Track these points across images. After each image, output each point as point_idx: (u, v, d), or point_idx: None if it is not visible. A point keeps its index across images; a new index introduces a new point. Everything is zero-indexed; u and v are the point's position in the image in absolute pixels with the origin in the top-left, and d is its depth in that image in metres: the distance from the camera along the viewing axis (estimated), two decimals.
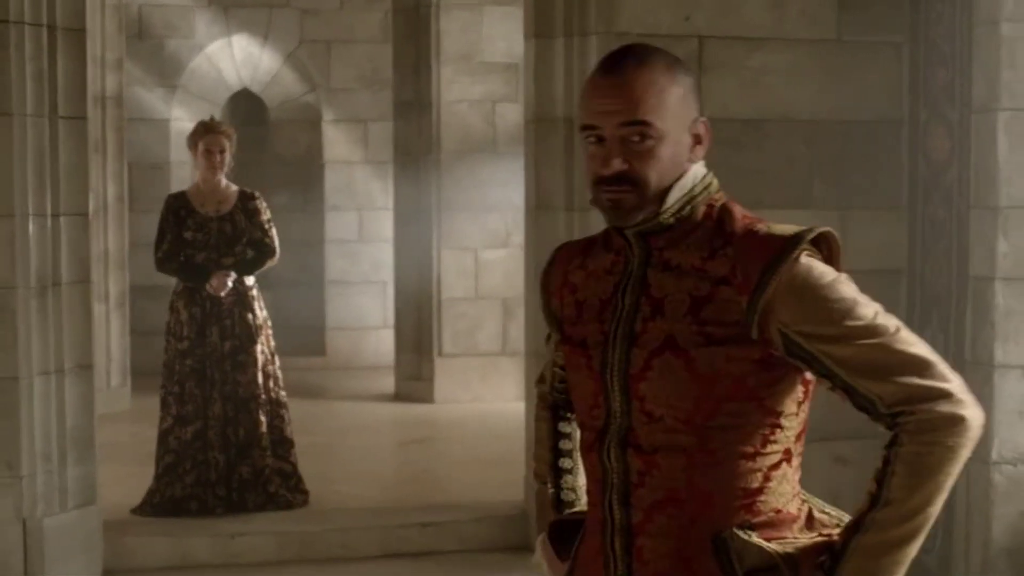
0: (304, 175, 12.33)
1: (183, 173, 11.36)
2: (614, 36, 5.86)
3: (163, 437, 6.66)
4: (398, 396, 10.17)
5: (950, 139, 5.90)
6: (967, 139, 5.69)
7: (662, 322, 2.20)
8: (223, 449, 6.62)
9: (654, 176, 2.21)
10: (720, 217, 2.25)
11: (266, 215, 6.95)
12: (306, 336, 12.03)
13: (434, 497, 6.97)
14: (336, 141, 12.21)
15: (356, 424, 9.29)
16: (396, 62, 10.17)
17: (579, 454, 2.44)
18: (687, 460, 2.17)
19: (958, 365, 4.64)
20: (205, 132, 7.00)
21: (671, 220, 2.25)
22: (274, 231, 6.95)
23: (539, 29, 6.11)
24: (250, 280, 6.84)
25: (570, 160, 6.04)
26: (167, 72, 11.94)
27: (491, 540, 6.34)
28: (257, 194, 7.06)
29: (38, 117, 5.48)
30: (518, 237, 8.70)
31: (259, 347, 6.77)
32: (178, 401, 6.64)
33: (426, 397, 9.80)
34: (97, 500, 5.76)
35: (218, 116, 11.77)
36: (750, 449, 2.17)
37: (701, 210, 2.26)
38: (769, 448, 2.18)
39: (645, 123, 2.18)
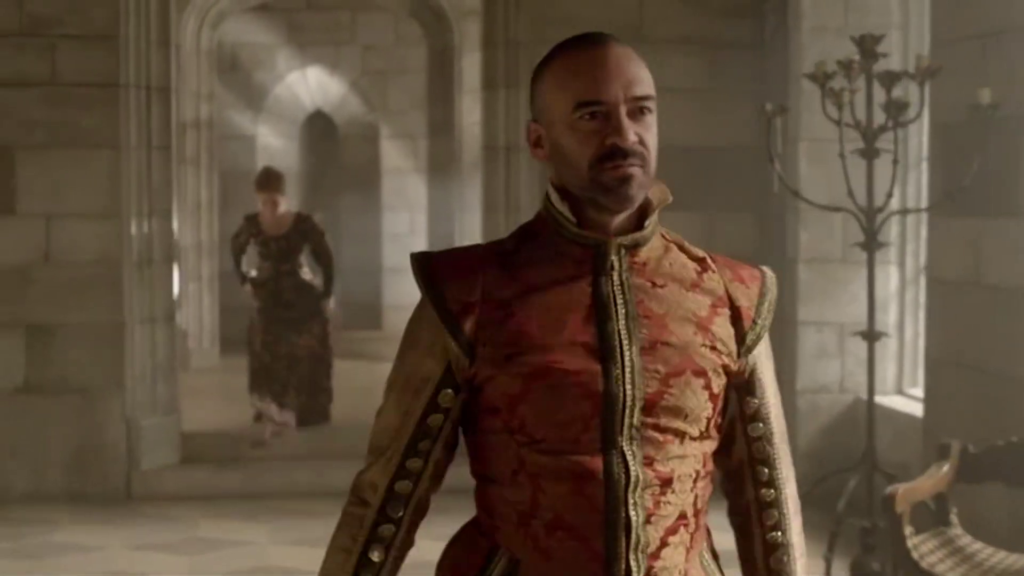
0: (366, 181, 14.74)
1: None
2: None
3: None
4: None
5: (781, 163, 8.16)
6: (791, 164, 7.79)
7: (671, 338, 2.06)
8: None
9: (655, 157, 2.05)
10: (669, 236, 2.16)
11: (320, 228, 8.97)
12: (367, 313, 14.51)
13: None
14: (391, 153, 14.59)
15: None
16: (429, 92, 12.61)
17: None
18: (695, 477, 2.08)
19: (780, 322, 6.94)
20: (261, 190, 8.94)
21: (649, 231, 2.10)
22: (327, 240, 8.97)
23: (486, 82, 8.54)
24: (306, 274, 8.89)
25: (508, 175, 8.44)
26: (254, 97, 14.47)
27: None
28: (309, 215, 9.14)
29: (138, 149, 8.02)
30: None
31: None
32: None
33: None
34: (177, 411, 8.31)
35: (295, 134, 14.43)
36: (706, 469, 2.12)
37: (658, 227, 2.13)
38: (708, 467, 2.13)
39: (651, 97, 2.05)
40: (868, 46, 5.52)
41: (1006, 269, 5.58)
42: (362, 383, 10.57)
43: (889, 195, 5.75)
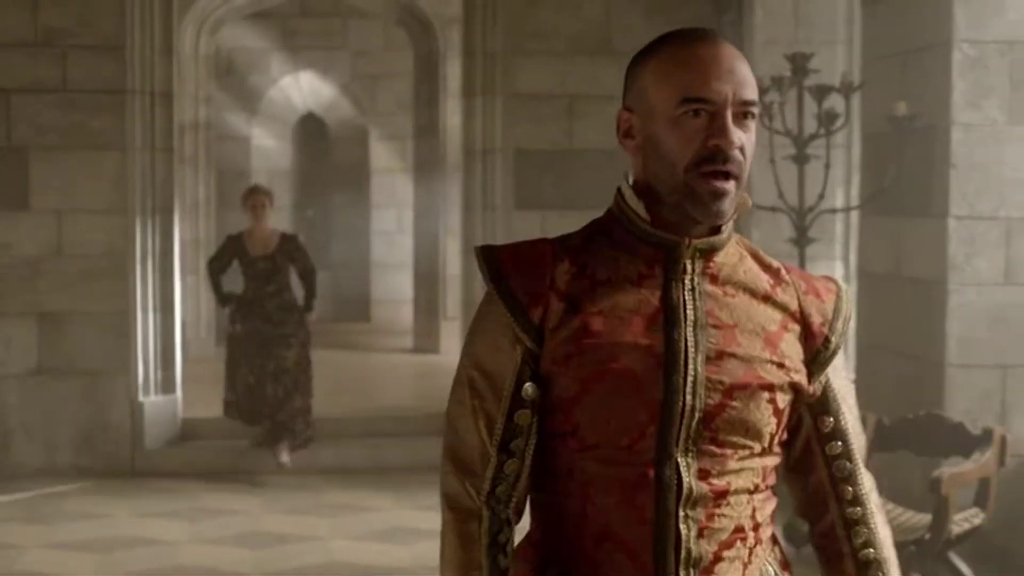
0: (356, 180, 15.39)
1: (260, 178, 14.52)
2: (511, 96, 8.94)
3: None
4: (416, 349, 13.27)
5: None
6: None
7: (738, 349, 1.98)
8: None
9: (748, 169, 1.97)
10: (743, 243, 2.08)
11: (302, 248, 8.81)
12: (356, 306, 15.16)
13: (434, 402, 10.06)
14: (380, 154, 15.22)
15: (385, 366, 12.43)
16: (415, 96, 13.25)
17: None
18: (752, 490, 2.01)
19: None
20: (251, 194, 8.86)
21: (726, 237, 2.03)
22: (309, 259, 8.81)
23: (466, 90, 9.20)
24: (289, 296, 8.72)
25: (484, 176, 9.10)
26: (249, 100, 15.10)
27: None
28: (295, 235, 9.08)
29: (144, 149, 8.66)
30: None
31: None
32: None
33: (434, 349, 12.87)
34: (176, 391, 8.96)
35: (288, 135, 15.03)
36: (766, 483, 2.05)
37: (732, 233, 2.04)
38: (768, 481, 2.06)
39: (757, 103, 1.96)
40: (799, 63, 6.19)
41: (923, 263, 6.24)
42: (352, 373, 11.25)
43: (821, 196, 6.41)
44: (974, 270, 6.02)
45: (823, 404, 2.07)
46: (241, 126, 15.04)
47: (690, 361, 1.95)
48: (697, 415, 1.95)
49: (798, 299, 2.05)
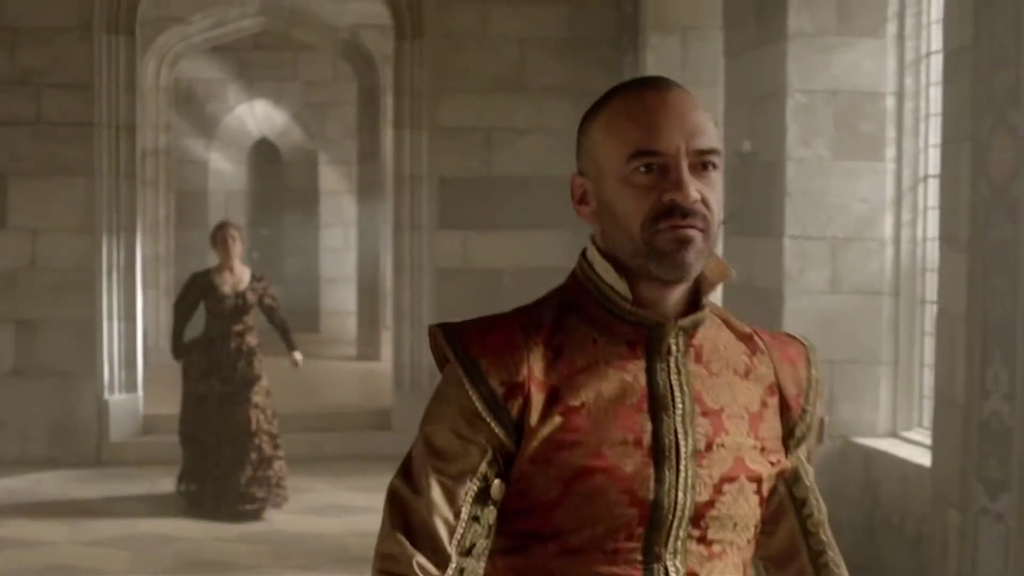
0: (306, 201, 16.52)
1: (218, 199, 15.63)
2: (436, 129, 10.11)
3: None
4: (359, 356, 14.41)
5: None
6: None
7: (726, 438, 1.81)
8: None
9: (718, 221, 1.79)
10: (714, 309, 1.89)
11: (271, 288, 8.47)
12: (306, 318, 16.25)
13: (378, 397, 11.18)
14: (328, 177, 16.38)
15: (330, 371, 13.54)
16: (359, 124, 14.42)
17: None
18: None
19: None
20: (221, 230, 8.46)
21: (707, 311, 1.84)
22: (272, 289, 8.47)
23: (397, 123, 10.37)
24: (254, 341, 8.32)
25: (412, 200, 10.26)
26: (207, 126, 16.22)
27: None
28: (263, 275, 8.58)
29: (110, 175, 9.77)
30: None
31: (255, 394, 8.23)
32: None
33: (375, 357, 14.00)
34: (138, 390, 10.07)
35: (243, 159, 16.11)
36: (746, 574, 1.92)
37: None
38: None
39: (717, 151, 1.78)
40: None
41: (765, 275, 7.44)
42: (300, 378, 12.35)
43: None
44: (806, 281, 7.22)
45: (796, 472, 1.96)
46: (199, 151, 16.15)
47: (682, 455, 1.78)
48: (688, 513, 1.79)
49: (774, 369, 1.90)
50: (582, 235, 8.93)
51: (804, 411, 1.93)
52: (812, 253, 7.22)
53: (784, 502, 1.99)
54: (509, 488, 1.80)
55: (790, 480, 1.97)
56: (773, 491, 1.93)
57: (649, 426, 1.79)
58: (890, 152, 7.16)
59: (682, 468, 1.79)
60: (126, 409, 9.98)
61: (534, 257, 10.02)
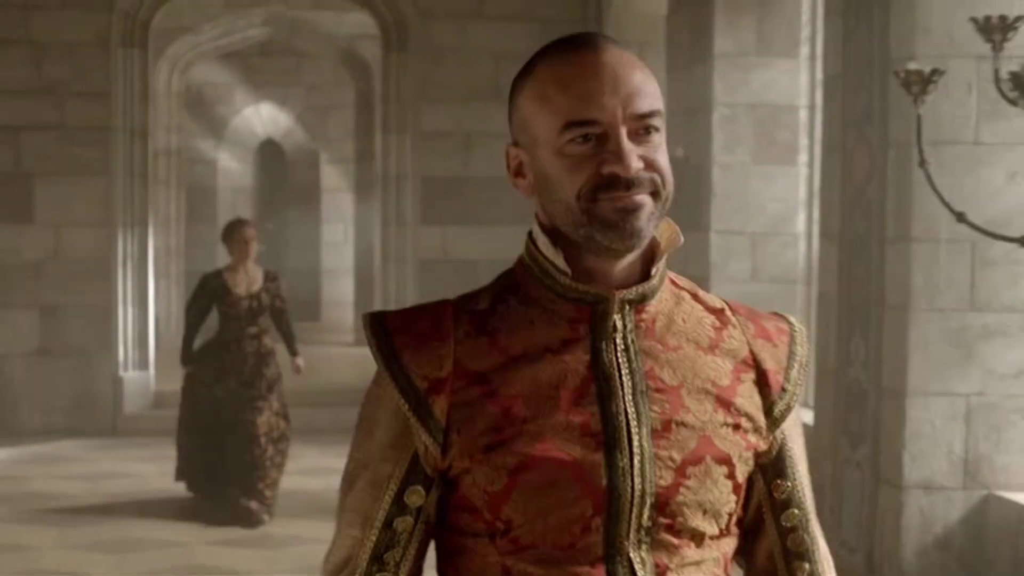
0: (308, 198, 17.62)
1: (226, 195, 16.75)
2: (419, 133, 11.19)
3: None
4: (356, 343, 15.49)
5: None
6: None
7: (687, 416, 1.65)
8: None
9: (670, 182, 1.64)
10: (680, 282, 1.75)
11: (282, 286, 8.13)
12: (308, 307, 17.36)
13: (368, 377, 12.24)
14: (329, 175, 17.47)
15: (328, 356, 14.63)
16: (356, 126, 15.51)
17: None
18: None
19: None
20: (236, 228, 8.04)
21: (657, 280, 1.69)
22: (282, 292, 8.11)
23: (384, 127, 11.46)
24: (269, 343, 8.01)
25: (397, 197, 11.34)
26: (216, 128, 17.33)
27: None
28: (276, 274, 8.22)
29: (125, 174, 10.87)
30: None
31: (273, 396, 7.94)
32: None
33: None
34: (150, 368, 11.18)
35: (250, 158, 17.17)
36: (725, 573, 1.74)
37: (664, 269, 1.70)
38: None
39: (658, 112, 1.63)
40: None
41: (695, 265, 8.50)
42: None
43: None
44: (730, 270, 8.28)
45: (778, 466, 1.75)
46: (209, 150, 17.25)
47: (634, 436, 1.63)
48: (649, 500, 1.63)
49: (747, 343, 1.73)
50: None
51: (784, 389, 1.74)
52: (735, 246, 8.28)
53: (763, 508, 1.76)
54: (452, 489, 1.66)
55: (769, 474, 1.75)
56: (751, 485, 1.74)
57: (596, 408, 1.63)
58: (803, 158, 8.23)
59: (635, 450, 1.63)
60: (139, 385, 11.09)
61: (507, 250, 10.97)
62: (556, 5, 11.29)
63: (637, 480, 1.64)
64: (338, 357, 14.62)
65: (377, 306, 14.42)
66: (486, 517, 1.66)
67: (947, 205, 4.35)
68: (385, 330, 1.69)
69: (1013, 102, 3.73)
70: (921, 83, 3.95)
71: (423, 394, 1.65)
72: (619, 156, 1.59)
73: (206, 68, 16.44)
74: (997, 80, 3.85)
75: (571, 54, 1.64)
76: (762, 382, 1.74)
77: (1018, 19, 3.75)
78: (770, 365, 1.75)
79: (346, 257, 17.14)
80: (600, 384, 1.66)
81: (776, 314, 1.82)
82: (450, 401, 1.65)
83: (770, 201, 8.25)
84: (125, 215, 10.90)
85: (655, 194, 1.62)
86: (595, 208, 1.61)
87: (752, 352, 1.74)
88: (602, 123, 1.60)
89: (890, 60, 5.75)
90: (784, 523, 1.77)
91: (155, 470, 9.48)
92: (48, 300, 10.75)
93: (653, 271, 1.68)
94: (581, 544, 1.64)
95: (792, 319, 1.82)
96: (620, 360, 1.67)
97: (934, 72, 3.95)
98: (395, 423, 1.67)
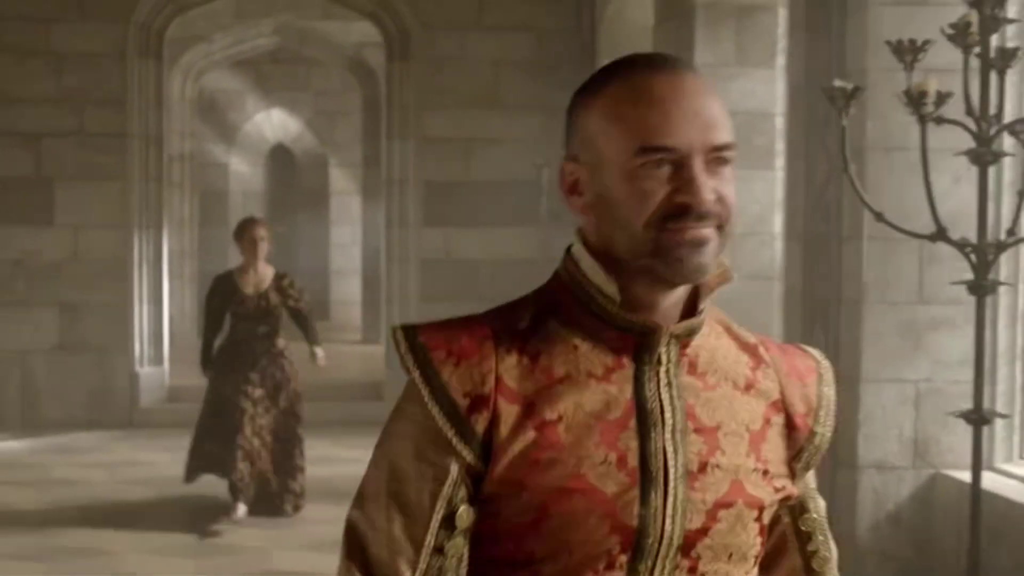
0: (317, 200, 18.14)
1: (237, 199, 17.27)
2: (422, 139, 11.70)
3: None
4: (363, 340, 16.02)
5: None
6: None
7: (722, 459, 1.62)
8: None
9: (733, 218, 1.59)
10: (714, 315, 1.69)
11: (297, 286, 8.09)
12: (317, 306, 17.81)
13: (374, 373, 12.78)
14: (338, 178, 18.00)
15: (336, 352, 15.12)
16: (363, 130, 16.03)
17: None
18: None
19: None
20: (248, 227, 8.06)
21: (704, 316, 1.64)
22: (305, 295, 8.15)
23: (388, 133, 11.98)
24: (282, 343, 8.01)
25: (401, 200, 11.86)
26: (228, 133, 17.86)
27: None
28: (287, 273, 8.20)
29: (140, 179, 11.40)
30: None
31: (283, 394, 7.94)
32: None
33: (377, 340, 15.58)
34: (164, 364, 11.71)
35: (261, 163, 17.68)
36: None
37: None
38: None
39: (733, 145, 1.58)
40: None
41: None
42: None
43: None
44: None
45: (803, 502, 1.76)
46: (221, 155, 17.79)
47: (670, 476, 1.59)
48: (676, 542, 1.60)
49: (780, 383, 1.70)
50: (548, 232, 10.45)
51: (813, 432, 1.70)
52: None
53: (787, 535, 1.77)
54: (478, 512, 1.61)
55: (796, 511, 1.76)
56: (776, 521, 1.74)
57: (635, 444, 1.59)
58: (779, 162, 8.71)
59: (671, 491, 1.59)
60: (154, 380, 11.62)
61: (506, 251, 11.62)
62: (552, 16, 11.80)
63: (668, 521, 1.59)
64: (346, 354, 15.12)
65: (383, 304, 14.89)
66: (508, 547, 1.60)
67: (867, 205, 4.83)
68: (422, 345, 1.61)
69: (924, 118, 4.21)
70: (844, 98, 4.43)
71: (464, 412, 1.59)
72: (693, 187, 1.54)
73: (218, 75, 16.97)
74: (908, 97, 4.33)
75: (650, 75, 1.58)
76: (790, 425, 1.69)
77: (926, 42, 4.24)
78: (799, 408, 1.71)
79: (354, 258, 17.64)
80: (642, 418, 1.60)
81: (801, 349, 1.78)
82: (492, 419, 1.58)
83: (749, 203, 8.73)
84: (141, 218, 11.42)
85: (719, 228, 1.57)
86: (662, 238, 1.55)
87: (783, 394, 1.70)
88: (679, 151, 1.55)
89: (846, 72, 6.24)
90: (809, 548, 1.79)
91: (169, 459, 9.98)
92: (68, 299, 11.28)
93: (701, 306, 1.63)
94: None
95: (817, 355, 1.78)
96: (663, 395, 1.61)
97: (856, 89, 4.44)
98: (434, 442, 1.60)
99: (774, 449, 1.68)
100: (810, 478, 1.77)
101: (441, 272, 11.71)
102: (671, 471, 1.59)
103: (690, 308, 1.64)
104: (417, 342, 1.62)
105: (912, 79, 4.33)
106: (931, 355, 6.21)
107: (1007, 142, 4.97)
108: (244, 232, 8.04)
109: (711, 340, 1.66)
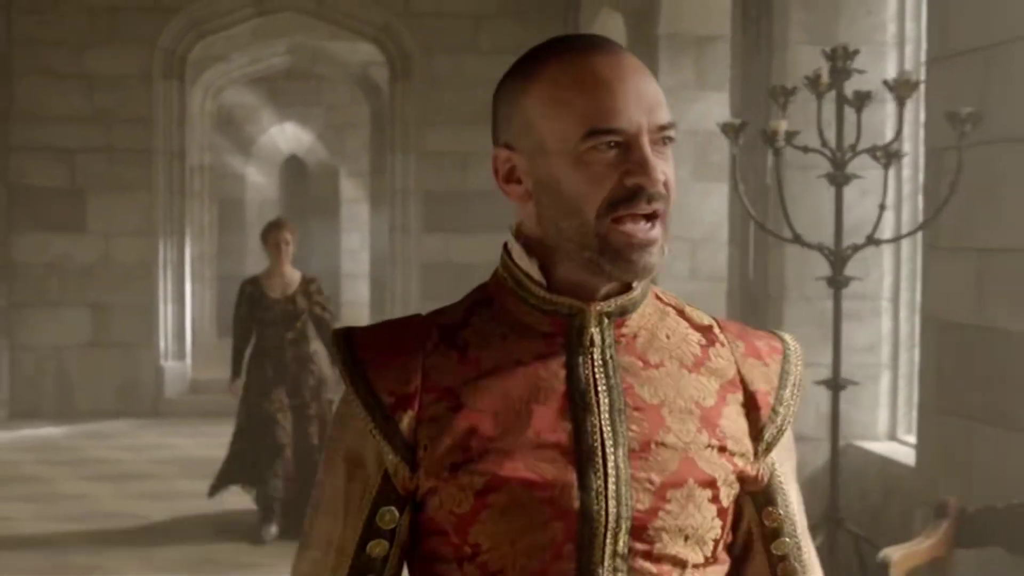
0: (329, 208, 19.21)
1: (253, 207, 18.38)
2: (422, 152, 12.79)
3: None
4: None
5: None
6: None
7: (667, 436, 1.57)
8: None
9: (673, 203, 1.57)
10: (666, 298, 1.67)
11: (324, 293, 7.82)
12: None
13: None
14: (347, 188, 19.07)
15: None
16: (371, 142, 17.14)
17: None
18: None
19: None
20: (273, 230, 7.83)
21: (639, 293, 1.61)
22: (330, 305, 7.89)
23: (391, 148, 13.08)
24: (311, 347, 7.70)
25: (404, 208, 12.95)
26: (244, 145, 18.97)
27: None
28: (316, 277, 7.92)
29: (165, 190, 12.51)
30: None
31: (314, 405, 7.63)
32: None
33: None
34: (187, 359, 12.83)
35: (275, 173, 18.78)
36: None
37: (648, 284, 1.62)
38: None
39: (674, 125, 1.57)
40: None
41: None
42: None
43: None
44: (674, 270, 9.83)
45: (769, 493, 1.66)
46: (238, 166, 18.91)
47: (609, 457, 1.54)
48: (624, 524, 1.54)
49: (736, 363, 1.64)
50: None
51: (775, 411, 1.65)
52: (677, 250, 9.83)
53: (753, 534, 1.69)
54: (420, 509, 1.59)
55: (759, 501, 1.67)
56: (740, 512, 1.67)
57: (568, 426, 1.55)
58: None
59: (611, 471, 1.54)
60: (177, 373, 12.75)
61: (499, 254, 12.64)
62: (542, 39, 12.66)
63: (612, 503, 1.54)
64: None
65: (387, 304, 15.98)
66: (454, 541, 1.57)
67: (752, 215, 5.88)
68: (351, 345, 1.60)
69: (777, 151, 5.28)
70: (734, 132, 5.48)
71: (389, 409, 1.56)
72: (645, 168, 1.51)
73: (236, 92, 18.07)
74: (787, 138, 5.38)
75: (590, 56, 1.54)
76: (750, 404, 1.64)
77: (795, 88, 5.31)
78: (759, 386, 1.65)
79: (362, 262, 18.68)
80: (575, 400, 1.56)
81: (770, 332, 1.73)
82: (417, 417, 1.56)
83: (706, 212, 9.80)
84: (165, 225, 12.53)
85: (663, 219, 1.56)
86: (610, 235, 1.52)
87: (740, 372, 1.64)
88: (627, 132, 1.51)
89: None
90: (775, 551, 1.68)
91: (191, 443, 11.13)
92: (99, 299, 12.40)
93: (635, 284, 1.59)
94: (552, 571, 1.55)
95: (787, 337, 1.72)
96: (597, 376, 1.57)
97: (743, 124, 5.49)
98: (364, 443, 1.59)
99: (734, 424, 1.62)
100: (785, 470, 1.68)
101: (440, 274, 12.81)
102: (609, 451, 1.55)
103: (626, 288, 1.59)
104: (344, 341, 1.61)
105: (786, 116, 5.39)
106: (842, 342, 7.26)
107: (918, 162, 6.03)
108: (269, 235, 7.81)
109: (654, 320, 1.63)
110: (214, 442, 11.04)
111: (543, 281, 1.59)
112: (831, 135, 5.39)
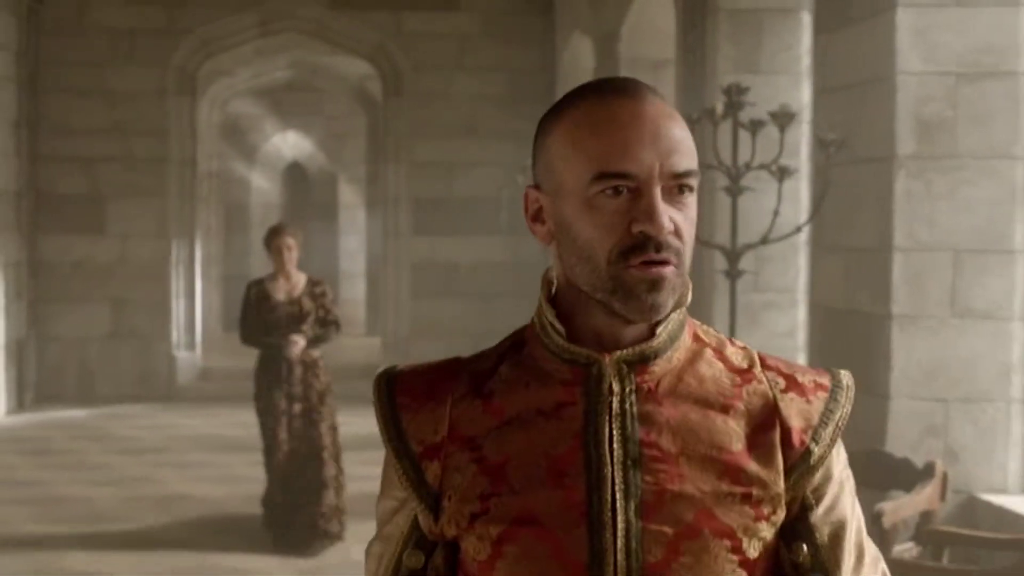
0: (328, 212, 20.32)
1: (257, 211, 19.59)
2: (411, 163, 14.00)
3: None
4: (367, 333, 18.29)
5: None
6: None
7: (684, 486, 1.53)
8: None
9: (691, 252, 1.55)
10: (708, 336, 1.63)
11: (329, 296, 7.74)
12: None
13: (371, 358, 15.04)
14: (346, 193, 20.21)
15: (342, 344, 17.43)
16: (367, 151, 18.32)
17: None
18: None
19: None
20: (275, 236, 7.71)
21: (664, 340, 1.57)
22: (336, 309, 7.77)
23: (383, 158, 14.29)
24: (316, 352, 7.62)
25: (396, 216, 14.16)
26: (249, 152, 20.15)
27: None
28: (321, 280, 7.89)
29: (176, 197, 13.72)
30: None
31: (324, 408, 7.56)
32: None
33: (377, 333, 17.83)
34: (197, 349, 14.04)
35: (278, 178, 19.95)
36: None
37: (684, 327, 1.60)
38: None
39: (694, 172, 1.53)
40: None
41: None
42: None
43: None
44: None
45: (797, 528, 1.60)
46: (243, 172, 20.08)
47: (619, 511, 1.52)
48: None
49: (773, 398, 1.58)
50: (519, 239, 12.68)
51: (809, 450, 1.56)
52: None
53: (787, 569, 1.60)
54: (447, 553, 1.62)
55: (787, 536, 1.59)
56: (778, 561, 1.59)
57: (581, 480, 1.53)
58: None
59: (620, 526, 1.52)
60: (188, 362, 13.97)
61: (481, 255, 13.93)
62: (522, 58, 14.06)
63: (620, 556, 1.52)
64: (351, 344, 17.44)
65: (380, 301, 17.16)
66: None
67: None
68: (390, 390, 1.62)
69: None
70: None
71: (417, 459, 1.59)
72: (651, 216, 1.47)
73: (241, 102, 19.23)
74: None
75: (609, 99, 1.52)
76: (785, 441, 1.57)
77: (699, 116, 6.51)
78: (795, 423, 1.58)
79: (359, 263, 19.86)
80: (588, 452, 1.54)
81: (824, 370, 1.65)
82: (443, 466, 1.58)
83: None
84: (177, 228, 13.74)
85: (678, 265, 1.51)
86: (623, 276, 1.49)
87: (778, 409, 1.58)
88: (637, 177, 1.48)
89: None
90: None
91: (201, 423, 12.34)
92: (117, 295, 13.61)
93: (659, 330, 1.55)
94: None
95: (841, 375, 1.64)
96: (613, 426, 1.54)
97: None
98: (396, 487, 1.63)
99: (762, 469, 1.56)
100: (822, 507, 1.61)
101: (428, 273, 14.01)
102: (618, 504, 1.53)
103: (648, 335, 1.56)
104: (385, 386, 1.63)
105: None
106: (765, 328, 8.46)
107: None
108: (271, 240, 7.75)
109: (683, 363, 1.58)
110: (221, 422, 12.29)
111: (562, 329, 1.58)
112: (727, 155, 6.57)
